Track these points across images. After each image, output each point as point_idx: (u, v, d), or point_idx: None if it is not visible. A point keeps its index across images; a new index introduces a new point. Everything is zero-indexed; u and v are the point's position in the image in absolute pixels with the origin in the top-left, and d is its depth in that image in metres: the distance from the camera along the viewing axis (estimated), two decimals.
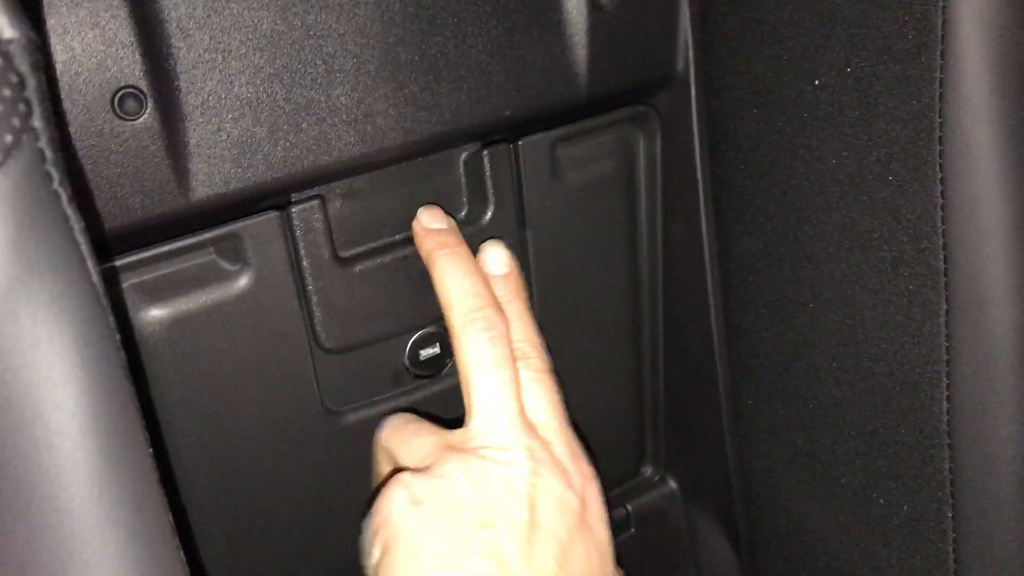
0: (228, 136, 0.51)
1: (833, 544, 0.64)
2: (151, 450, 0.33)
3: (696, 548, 0.75)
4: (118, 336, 0.31)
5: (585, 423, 0.80)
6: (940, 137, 0.50)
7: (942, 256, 0.52)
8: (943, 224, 0.51)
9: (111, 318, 0.31)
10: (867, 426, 0.59)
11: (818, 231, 0.58)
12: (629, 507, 0.76)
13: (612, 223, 0.68)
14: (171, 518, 0.35)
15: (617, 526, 0.74)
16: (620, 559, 0.69)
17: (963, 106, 0.49)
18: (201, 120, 0.50)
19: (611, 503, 0.76)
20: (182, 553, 0.35)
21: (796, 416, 0.64)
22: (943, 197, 0.51)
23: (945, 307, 0.52)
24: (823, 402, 0.61)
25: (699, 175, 0.66)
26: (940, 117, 0.50)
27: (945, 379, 0.54)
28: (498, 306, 0.54)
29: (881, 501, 0.59)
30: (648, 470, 0.78)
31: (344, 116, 0.53)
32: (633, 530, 0.76)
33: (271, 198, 0.54)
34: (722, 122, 0.63)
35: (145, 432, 0.33)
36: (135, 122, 0.48)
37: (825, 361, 0.60)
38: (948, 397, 0.54)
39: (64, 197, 0.30)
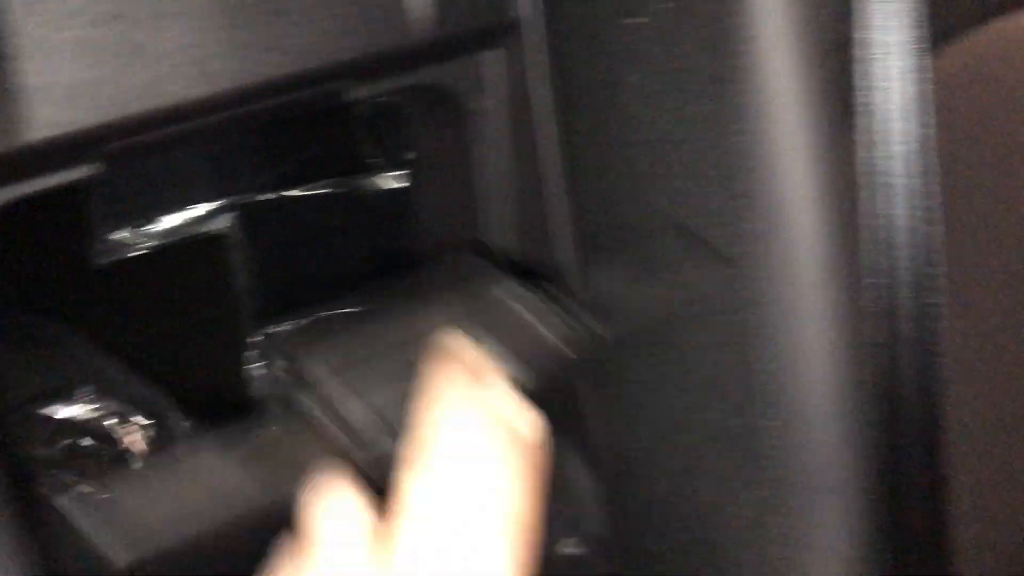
0: (53, 79, 0.51)
1: None
2: None
3: None
4: None
5: None
6: None
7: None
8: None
9: None
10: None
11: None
12: None
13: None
14: None
15: None
16: None
17: None
18: (26, 62, 0.50)
19: None
20: None
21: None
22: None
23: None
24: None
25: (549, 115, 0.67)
26: None
27: None
28: None
29: None
30: None
31: (176, 59, 0.54)
32: None
33: (100, 144, 0.54)
34: (568, 66, 0.65)
35: None
36: None
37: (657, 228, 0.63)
38: None
39: None
